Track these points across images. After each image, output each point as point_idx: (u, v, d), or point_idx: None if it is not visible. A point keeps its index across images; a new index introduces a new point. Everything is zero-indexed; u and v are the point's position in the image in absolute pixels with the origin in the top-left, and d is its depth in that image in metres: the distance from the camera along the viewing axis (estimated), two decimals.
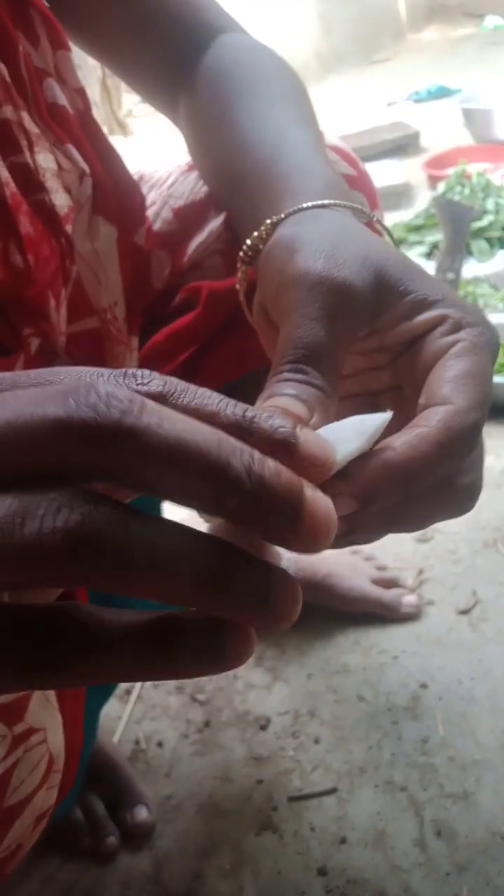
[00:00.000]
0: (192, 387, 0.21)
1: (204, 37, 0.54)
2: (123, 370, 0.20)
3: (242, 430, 0.20)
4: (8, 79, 0.43)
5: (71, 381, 0.20)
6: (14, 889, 0.73)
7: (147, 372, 0.21)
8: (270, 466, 0.19)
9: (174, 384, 0.21)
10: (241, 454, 0.19)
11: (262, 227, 0.38)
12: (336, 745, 0.80)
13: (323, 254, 0.33)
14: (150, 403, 0.18)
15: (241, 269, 0.40)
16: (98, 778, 0.78)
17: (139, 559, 0.18)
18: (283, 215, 0.37)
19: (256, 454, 0.19)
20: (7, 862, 0.39)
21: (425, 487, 0.28)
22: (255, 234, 0.39)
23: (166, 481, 0.18)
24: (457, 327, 0.32)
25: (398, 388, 0.36)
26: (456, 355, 0.31)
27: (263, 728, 0.83)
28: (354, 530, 0.28)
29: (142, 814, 0.75)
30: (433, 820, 0.71)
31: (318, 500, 0.20)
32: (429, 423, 0.29)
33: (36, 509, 0.17)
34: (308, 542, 0.19)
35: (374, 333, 0.34)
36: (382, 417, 0.27)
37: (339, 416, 0.34)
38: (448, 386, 0.30)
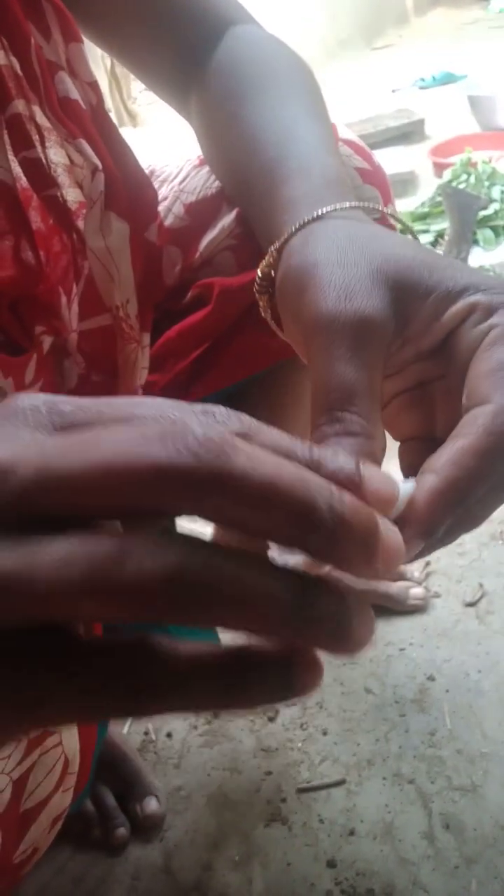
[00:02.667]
0: (264, 426, 0.21)
1: (216, 29, 0.53)
2: (202, 407, 0.20)
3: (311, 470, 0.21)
4: (20, 72, 0.42)
5: (158, 418, 0.19)
6: (24, 880, 0.73)
7: (224, 410, 0.20)
8: (351, 505, 0.19)
9: (249, 424, 0.21)
10: (325, 494, 0.19)
11: (268, 255, 0.37)
12: (344, 737, 0.80)
13: (331, 286, 0.32)
14: (242, 446, 0.18)
15: (260, 299, 0.39)
16: (108, 769, 0.79)
17: (229, 597, 0.18)
18: (284, 238, 0.36)
19: (338, 494, 0.19)
20: (23, 865, 0.39)
21: (482, 494, 0.28)
22: (263, 262, 0.38)
23: (255, 521, 0.18)
24: (488, 312, 0.31)
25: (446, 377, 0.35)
26: (491, 344, 0.30)
27: (272, 719, 0.84)
28: (425, 553, 0.28)
29: (152, 805, 0.75)
30: (441, 813, 0.72)
31: (390, 534, 0.20)
32: (470, 430, 0.28)
33: (135, 549, 0.17)
34: (379, 571, 0.20)
35: (408, 343, 0.33)
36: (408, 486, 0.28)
37: (394, 415, 0.37)
38: (486, 382, 0.29)
